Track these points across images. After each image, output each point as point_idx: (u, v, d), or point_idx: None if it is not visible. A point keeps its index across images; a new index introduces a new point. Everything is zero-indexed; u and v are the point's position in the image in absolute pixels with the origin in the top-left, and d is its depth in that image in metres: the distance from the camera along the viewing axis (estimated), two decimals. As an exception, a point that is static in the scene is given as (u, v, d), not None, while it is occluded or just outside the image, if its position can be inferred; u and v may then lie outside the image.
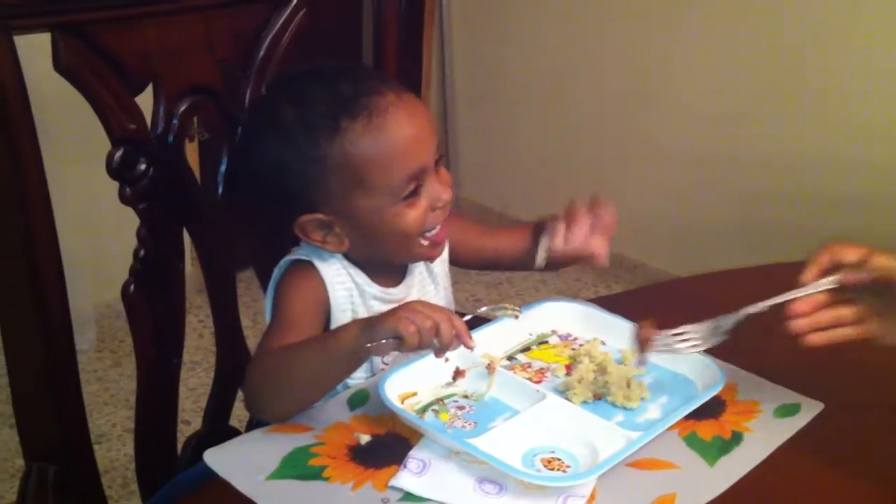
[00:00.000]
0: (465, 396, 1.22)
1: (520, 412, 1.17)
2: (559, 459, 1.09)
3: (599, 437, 1.11)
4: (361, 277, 1.28)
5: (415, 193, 1.21)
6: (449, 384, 1.23)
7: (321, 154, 1.18)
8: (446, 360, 1.23)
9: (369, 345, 1.08)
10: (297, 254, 1.28)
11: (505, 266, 1.52)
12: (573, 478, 1.05)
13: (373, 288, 1.28)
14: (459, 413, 1.18)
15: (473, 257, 1.46)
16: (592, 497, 1.03)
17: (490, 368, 1.23)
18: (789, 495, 1.06)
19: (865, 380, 1.28)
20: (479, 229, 1.47)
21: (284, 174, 1.21)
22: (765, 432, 1.14)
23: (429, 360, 1.22)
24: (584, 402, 1.19)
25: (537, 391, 1.19)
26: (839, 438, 1.15)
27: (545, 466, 1.08)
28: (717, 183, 3.15)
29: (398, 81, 1.24)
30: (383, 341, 1.07)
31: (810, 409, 1.18)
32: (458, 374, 1.24)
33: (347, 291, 1.27)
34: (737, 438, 1.13)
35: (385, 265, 1.30)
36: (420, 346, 1.07)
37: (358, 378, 1.28)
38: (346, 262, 1.28)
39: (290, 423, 1.16)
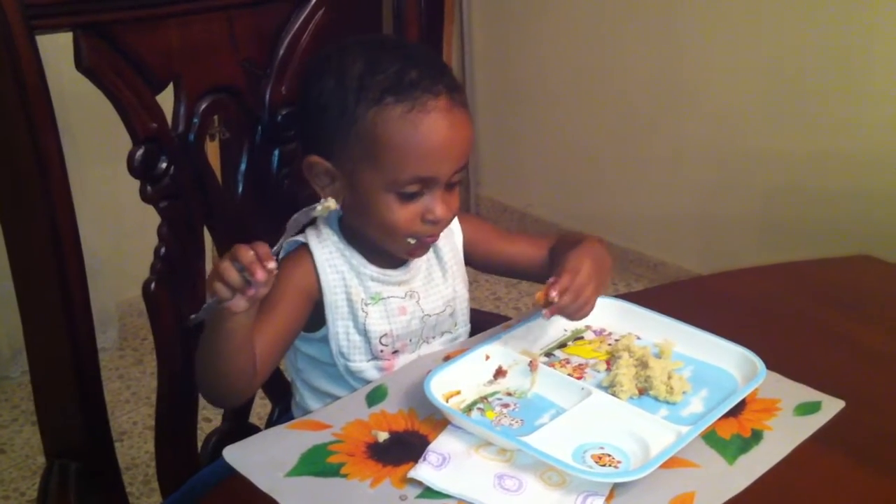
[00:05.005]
0: (509, 394, 1.21)
1: (565, 409, 1.17)
2: (609, 455, 1.09)
3: (648, 432, 1.11)
4: (357, 259, 1.29)
5: (413, 197, 1.22)
6: (490, 382, 1.23)
7: (355, 115, 1.21)
8: (487, 357, 1.25)
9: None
10: (299, 236, 1.31)
11: (517, 275, 1.51)
12: (630, 473, 1.04)
13: (369, 269, 1.30)
14: (505, 411, 1.18)
15: (487, 261, 1.46)
16: (611, 496, 1.03)
17: (532, 366, 1.23)
18: (809, 494, 1.06)
19: (887, 376, 1.28)
20: (496, 233, 1.47)
21: (322, 115, 1.24)
22: (785, 430, 1.14)
23: (470, 359, 1.23)
24: (630, 398, 1.19)
25: (582, 388, 1.19)
26: (860, 436, 1.14)
27: (596, 462, 1.08)
28: (739, 181, 3.13)
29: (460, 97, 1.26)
30: (205, 306, 1.08)
31: (831, 407, 1.18)
32: (499, 373, 1.24)
33: (339, 274, 1.28)
34: (756, 437, 1.13)
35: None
36: (234, 287, 1.05)
37: (359, 362, 1.30)
38: (342, 245, 1.30)
39: (308, 420, 1.16)
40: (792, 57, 2.90)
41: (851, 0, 2.74)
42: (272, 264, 1.05)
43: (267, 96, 1.40)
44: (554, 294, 1.21)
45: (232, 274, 1.05)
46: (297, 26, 1.41)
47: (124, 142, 1.27)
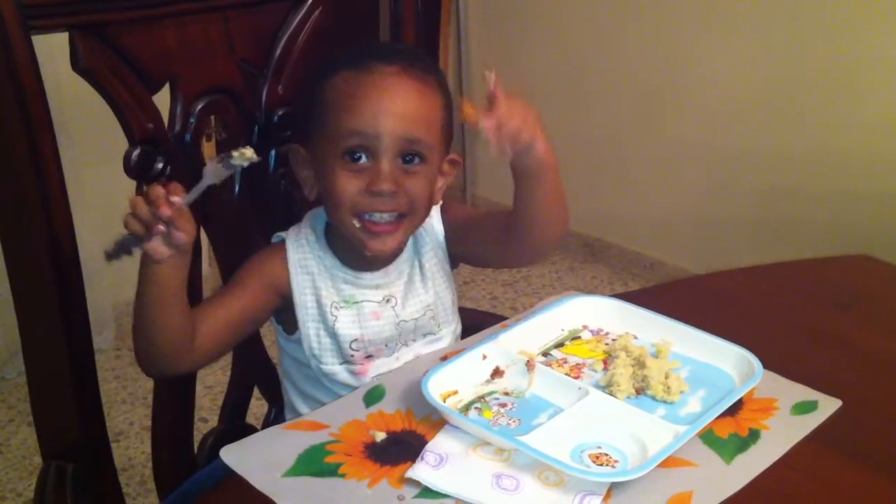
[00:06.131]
0: (506, 394, 1.21)
1: (563, 408, 1.17)
2: (607, 455, 1.09)
3: (646, 432, 1.11)
4: (331, 260, 1.29)
5: (356, 160, 1.20)
6: (488, 382, 1.23)
7: (314, 90, 1.23)
8: (484, 357, 1.24)
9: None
10: (281, 232, 1.32)
11: (490, 244, 1.36)
12: (627, 473, 1.04)
13: (343, 271, 1.29)
14: (502, 410, 1.18)
15: (470, 244, 1.37)
16: (609, 495, 1.03)
17: (530, 365, 1.23)
18: (807, 493, 1.06)
19: (884, 375, 1.28)
20: (472, 210, 1.45)
21: (299, 104, 1.28)
22: (782, 429, 1.14)
23: (468, 359, 1.23)
24: (628, 398, 1.19)
25: (580, 388, 1.19)
26: (857, 435, 1.14)
27: (594, 462, 1.08)
28: (736, 180, 3.13)
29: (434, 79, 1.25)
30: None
31: (828, 406, 1.18)
32: (496, 372, 1.24)
33: (309, 276, 1.28)
34: (754, 436, 1.13)
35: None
36: (150, 227, 1.04)
37: (331, 365, 1.30)
38: (318, 246, 1.30)
39: (306, 421, 1.16)
40: (789, 56, 2.90)
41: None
42: (177, 198, 1.04)
43: (263, 97, 1.40)
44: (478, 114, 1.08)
45: (142, 207, 1.04)
46: (293, 27, 1.40)
47: (121, 142, 1.27)
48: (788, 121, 2.95)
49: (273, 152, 1.43)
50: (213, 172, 1.08)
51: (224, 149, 1.40)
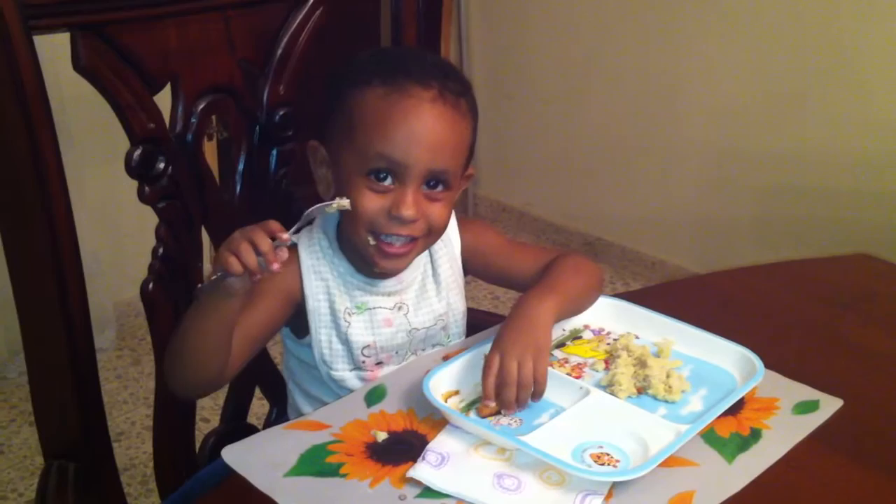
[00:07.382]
0: None
1: (564, 408, 1.17)
2: (608, 454, 1.09)
3: (647, 431, 1.11)
4: (345, 266, 1.28)
5: (381, 180, 1.19)
6: None
7: (343, 95, 1.22)
8: (485, 357, 1.22)
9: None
10: (294, 237, 1.30)
11: (512, 288, 1.44)
12: (629, 472, 1.04)
13: (356, 278, 1.28)
14: (504, 410, 1.18)
15: (483, 272, 1.43)
16: (610, 495, 1.03)
17: None
18: (808, 492, 1.06)
19: (885, 374, 1.28)
20: (497, 246, 1.42)
21: (322, 101, 1.25)
22: (784, 429, 1.14)
23: (469, 359, 1.23)
24: (629, 397, 1.19)
25: (581, 387, 1.19)
26: (859, 434, 1.15)
27: (595, 461, 1.08)
28: (736, 180, 3.13)
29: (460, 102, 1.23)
30: (213, 278, 1.06)
31: (829, 406, 1.18)
32: None
33: (323, 282, 1.27)
34: (755, 435, 1.13)
35: None
36: (249, 267, 1.05)
37: (341, 371, 1.29)
38: (332, 251, 1.29)
39: (307, 420, 1.16)
40: (791, 55, 2.90)
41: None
42: (285, 236, 1.06)
43: (265, 96, 1.40)
44: (490, 403, 1.16)
45: (251, 256, 1.04)
46: (294, 26, 1.40)
47: (122, 142, 1.27)
48: (790, 120, 2.95)
49: (274, 151, 1.43)
50: (307, 218, 1.11)
51: (224, 148, 1.41)
